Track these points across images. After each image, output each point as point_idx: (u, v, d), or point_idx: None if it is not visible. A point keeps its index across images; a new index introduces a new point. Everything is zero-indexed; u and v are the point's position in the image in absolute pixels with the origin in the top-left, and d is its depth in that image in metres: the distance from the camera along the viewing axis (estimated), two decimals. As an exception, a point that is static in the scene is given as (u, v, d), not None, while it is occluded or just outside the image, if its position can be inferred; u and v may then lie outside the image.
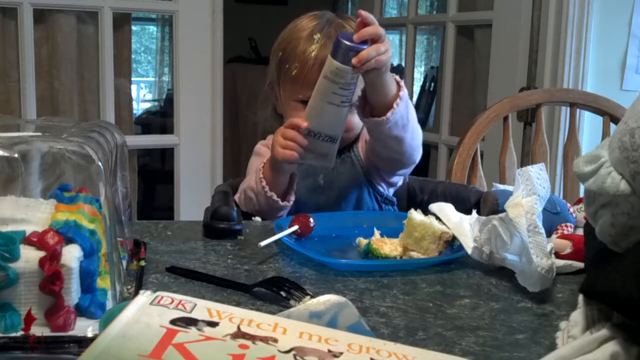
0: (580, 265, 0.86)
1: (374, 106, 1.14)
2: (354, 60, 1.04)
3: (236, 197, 1.28)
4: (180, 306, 0.48)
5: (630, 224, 0.59)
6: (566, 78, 2.17)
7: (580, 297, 0.65)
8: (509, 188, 1.14)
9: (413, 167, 1.27)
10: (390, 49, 1.08)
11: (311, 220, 0.99)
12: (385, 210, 1.30)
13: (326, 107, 1.09)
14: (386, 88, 1.13)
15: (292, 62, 1.23)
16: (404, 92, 1.15)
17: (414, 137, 1.20)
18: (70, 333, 0.61)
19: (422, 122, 4.20)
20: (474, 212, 0.96)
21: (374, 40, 1.06)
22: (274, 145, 1.16)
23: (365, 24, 1.06)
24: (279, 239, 0.93)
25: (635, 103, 0.61)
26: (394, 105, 1.13)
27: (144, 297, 0.49)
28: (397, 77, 1.16)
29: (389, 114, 1.12)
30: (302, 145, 1.13)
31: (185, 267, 0.85)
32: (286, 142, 1.14)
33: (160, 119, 4.55)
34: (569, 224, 1.01)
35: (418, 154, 1.23)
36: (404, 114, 1.15)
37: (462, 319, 0.71)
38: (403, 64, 3.28)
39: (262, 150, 1.35)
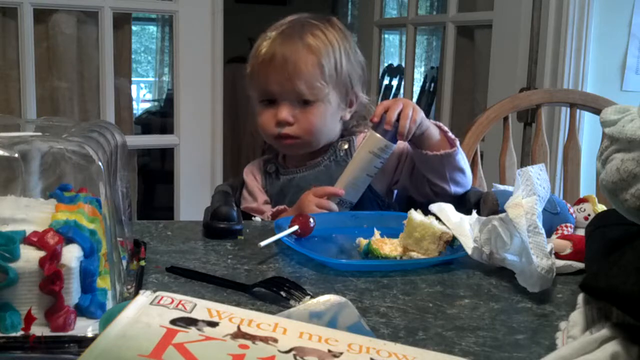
0: (581, 265, 0.85)
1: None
2: (399, 138, 1.14)
3: None
4: (180, 306, 0.48)
5: (635, 172, 0.59)
6: (566, 78, 2.17)
7: (580, 297, 0.65)
8: (509, 188, 1.14)
9: None
10: (415, 106, 1.16)
11: (311, 220, 0.99)
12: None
13: (365, 179, 1.19)
14: (433, 133, 1.19)
15: (248, 62, 1.25)
16: (448, 131, 1.21)
17: (470, 170, 1.26)
18: (70, 333, 0.61)
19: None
20: (474, 212, 0.96)
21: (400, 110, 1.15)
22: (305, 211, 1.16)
23: (383, 107, 1.15)
24: (279, 239, 0.93)
25: None
26: (453, 137, 1.20)
27: (144, 297, 0.49)
28: (437, 122, 1.22)
29: (457, 144, 1.19)
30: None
31: (185, 267, 0.85)
32: (320, 210, 1.15)
33: (160, 119, 4.55)
34: (569, 225, 1.01)
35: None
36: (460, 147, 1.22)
37: (462, 319, 0.71)
38: (403, 65, 3.28)
39: (249, 178, 1.34)
